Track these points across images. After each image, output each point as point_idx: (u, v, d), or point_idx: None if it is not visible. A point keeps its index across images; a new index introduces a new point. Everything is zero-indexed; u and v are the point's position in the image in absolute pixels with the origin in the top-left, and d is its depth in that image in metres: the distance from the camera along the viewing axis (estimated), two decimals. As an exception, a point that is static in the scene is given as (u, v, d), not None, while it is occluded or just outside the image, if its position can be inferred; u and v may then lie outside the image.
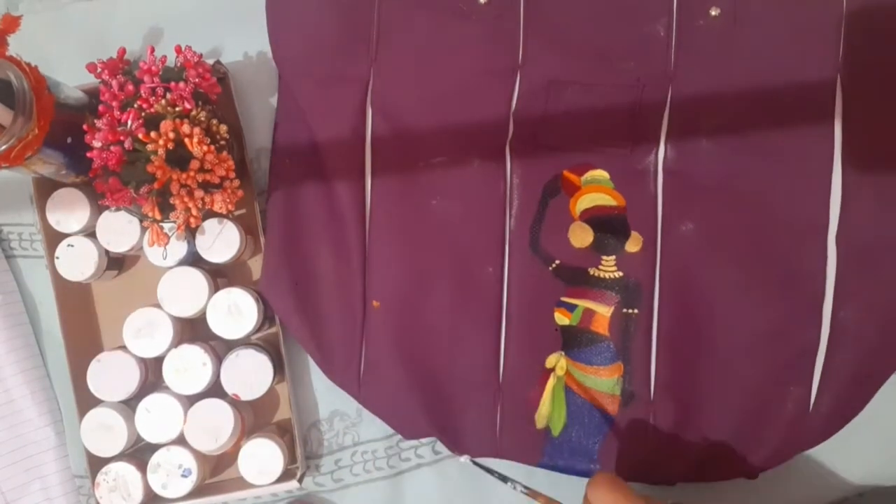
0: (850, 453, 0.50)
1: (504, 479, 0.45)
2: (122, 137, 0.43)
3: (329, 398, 0.53)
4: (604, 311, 0.48)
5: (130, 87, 0.44)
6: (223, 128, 0.46)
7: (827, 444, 0.48)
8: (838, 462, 0.50)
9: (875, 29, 0.47)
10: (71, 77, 0.47)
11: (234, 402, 0.49)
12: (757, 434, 0.47)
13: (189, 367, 0.49)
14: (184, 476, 0.49)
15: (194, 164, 0.44)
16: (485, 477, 0.51)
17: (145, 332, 0.49)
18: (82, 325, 0.53)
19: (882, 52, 0.47)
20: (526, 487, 0.44)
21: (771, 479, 0.48)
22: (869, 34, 0.47)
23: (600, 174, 0.48)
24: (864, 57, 0.47)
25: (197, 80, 0.45)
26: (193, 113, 0.44)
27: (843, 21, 0.47)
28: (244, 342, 0.51)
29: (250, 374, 0.49)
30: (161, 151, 0.43)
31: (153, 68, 0.45)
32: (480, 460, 0.47)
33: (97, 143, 0.43)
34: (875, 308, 0.46)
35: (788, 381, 0.47)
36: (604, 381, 0.48)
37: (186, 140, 0.43)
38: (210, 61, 0.48)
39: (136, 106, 0.44)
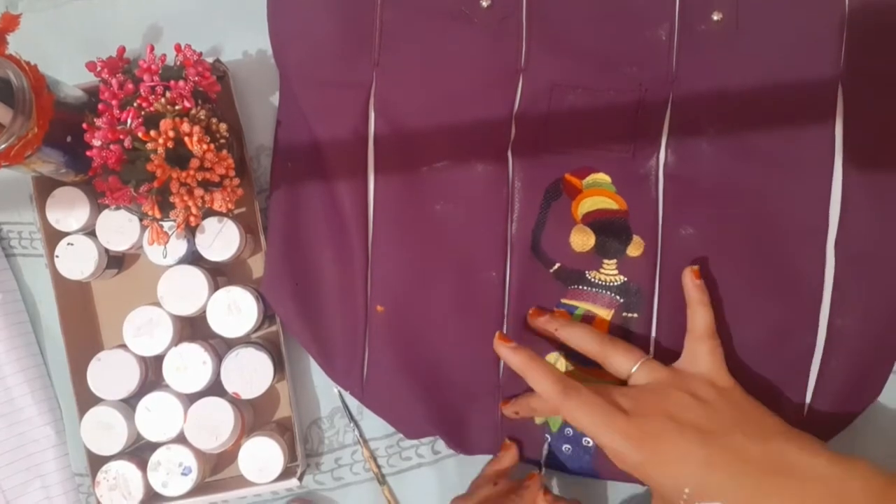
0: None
1: None
2: (121, 136, 0.43)
3: (329, 396, 0.53)
4: (604, 314, 0.48)
5: (130, 85, 0.44)
6: (223, 126, 0.46)
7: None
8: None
9: (876, 33, 0.46)
10: (70, 76, 0.47)
11: (235, 401, 0.49)
12: None
13: (189, 365, 0.49)
14: (184, 474, 0.49)
15: (194, 163, 0.44)
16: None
17: (145, 330, 0.49)
18: (82, 324, 0.53)
19: (884, 56, 0.47)
20: None
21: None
22: (870, 38, 0.46)
23: (602, 178, 0.48)
24: (865, 61, 0.46)
25: (196, 78, 0.45)
26: (193, 111, 0.44)
27: (844, 24, 0.46)
28: (244, 340, 0.51)
29: (250, 372, 0.49)
30: (161, 150, 0.43)
31: (153, 67, 0.44)
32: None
33: (97, 142, 0.43)
34: (872, 314, 0.46)
35: (784, 385, 0.47)
36: (602, 381, 0.48)
37: (186, 139, 0.43)
38: (210, 60, 0.48)
39: (135, 105, 0.44)
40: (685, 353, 0.45)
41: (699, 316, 0.45)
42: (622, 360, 0.45)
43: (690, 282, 0.46)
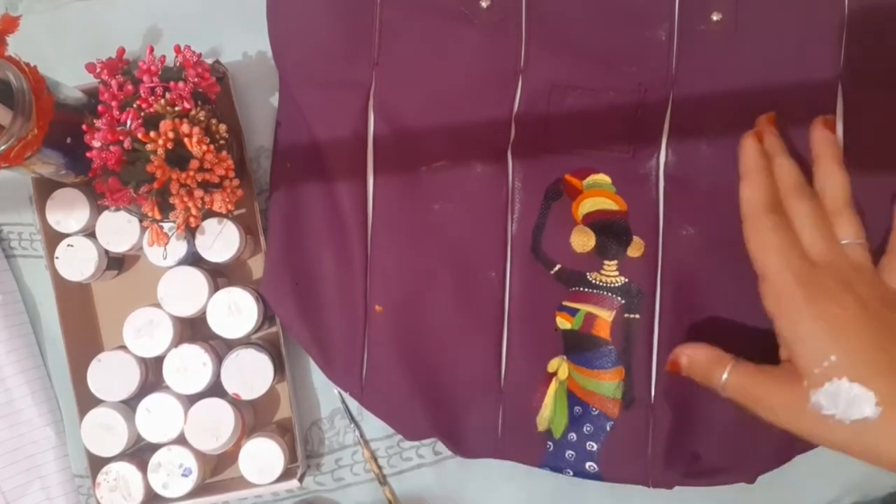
0: (846, 458, 0.49)
1: None
2: (121, 137, 0.43)
3: (330, 397, 0.53)
4: (605, 316, 0.48)
5: (129, 86, 0.44)
6: (222, 127, 0.46)
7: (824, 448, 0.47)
8: (835, 466, 0.50)
9: (876, 33, 0.46)
10: (70, 77, 0.47)
11: (235, 402, 0.49)
12: (755, 438, 0.47)
13: (189, 366, 0.49)
14: (184, 475, 0.49)
15: (194, 164, 0.44)
16: (486, 478, 0.52)
17: (145, 331, 0.49)
18: (82, 325, 0.53)
19: (883, 56, 0.46)
20: None
21: (769, 483, 0.48)
22: (870, 38, 0.46)
23: (602, 178, 0.48)
24: (865, 61, 0.46)
25: (196, 79, 0.45)
26: (193, 112, 0.44)
27: (844, 25, 0.46)
28: (244, 341, 0.51)
29: (251, 373, 0.49)
30: (160, 151, 0.43)
31: (152, 68, 0.44)
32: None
33: (96, 143, 0.43)
34: None
35: None
36: (605, 384, 0.48)
37: (186, 140, 0.43)
38: (209, 61, 0.48)
39: (135, 106, 0.44)
40: (880, 269, 0.42)
41: None
42: (849, 227, 0.41)
43: None
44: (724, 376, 0.41)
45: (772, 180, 0.42)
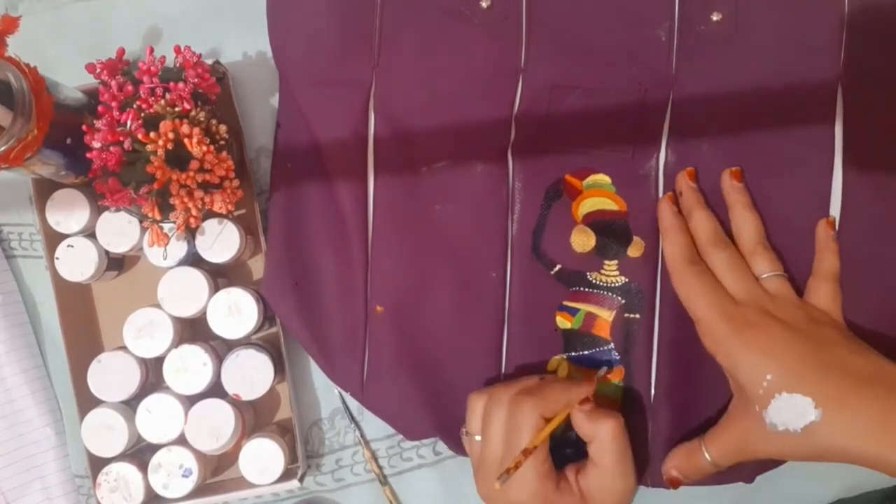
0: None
1: None
2: (121, 138, 0.43)
3: (330, 397, 0.53)
4: (606, 316, 0.48)
5: (130, 87, 0.44)
6: (222, 128, 0.46)
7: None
8: (834, 466, 0.49)
9: (876, 33, 0.46)
10: (70, 78, 0.47)
11: (235, 402, 0.49)
12: None
13: (189, 367, 0.49)
14: (185, 476, 0.49)
15: (194, 165, 0.44)
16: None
17: (146, 332, 0.49)
18: (82, 326, 0.53)
19: (883, 55, 0.46)
20: None
21: (767, 483, 0.48)
22: (870, 38, 0.46)
23: (602, 178, 0.48)
24: (864, 61, 0.46)
25: (196, 80, 0.45)
26: (193, 113, 0.44)
27: (844, 25, 0.46)
28: (244, 342, 0.51)
29: (251, 373, 0.49)
30: (160, 152, 0.43)
31: (152, 69, 0.44)
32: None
33: (96, 144, 0.43)
34: (874, 314, 0.46)
35: None
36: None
37: (186, 140, 0.43)
38: (209, 61, 0.48)
39: (135, 106, 0.44)
40: (807, 292, 0.45)
41: (827, 261, 0.45)
42: (763, 264, 0.45)
43: (823, 231, 0.46)
44: (707, 456, 0.44)
45: (688, 236, 0.46)
